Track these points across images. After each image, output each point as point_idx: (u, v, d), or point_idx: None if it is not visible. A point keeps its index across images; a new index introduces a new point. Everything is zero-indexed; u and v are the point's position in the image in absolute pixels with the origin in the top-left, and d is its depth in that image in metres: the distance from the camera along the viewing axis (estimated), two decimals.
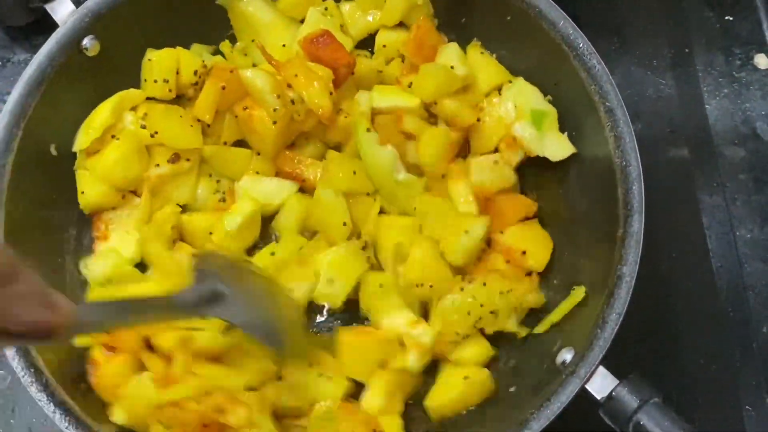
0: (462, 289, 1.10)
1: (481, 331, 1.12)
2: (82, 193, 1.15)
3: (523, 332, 1.11)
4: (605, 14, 1.43)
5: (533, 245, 1.14)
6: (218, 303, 0.95)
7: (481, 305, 1.09)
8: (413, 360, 1.10)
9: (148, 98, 1.18)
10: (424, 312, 1.15)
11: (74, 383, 1.03)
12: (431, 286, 1.12)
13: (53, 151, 1.13)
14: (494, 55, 1.21)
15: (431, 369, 1.13)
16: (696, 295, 1.26)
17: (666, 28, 1.43)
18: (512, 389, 1.07)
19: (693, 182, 1.32)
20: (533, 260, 1.14)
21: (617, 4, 1.44)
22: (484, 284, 1.09)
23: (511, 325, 1.10)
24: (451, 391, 1.10)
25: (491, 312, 1.09)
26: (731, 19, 1.43)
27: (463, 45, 1.21)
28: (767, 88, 1.38)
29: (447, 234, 1.12)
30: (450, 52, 1.18)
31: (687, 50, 1.41)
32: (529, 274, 1.14)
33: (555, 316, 1.09)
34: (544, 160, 1.14)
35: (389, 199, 1.18)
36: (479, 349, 1.12)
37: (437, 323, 1.10)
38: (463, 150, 1.21)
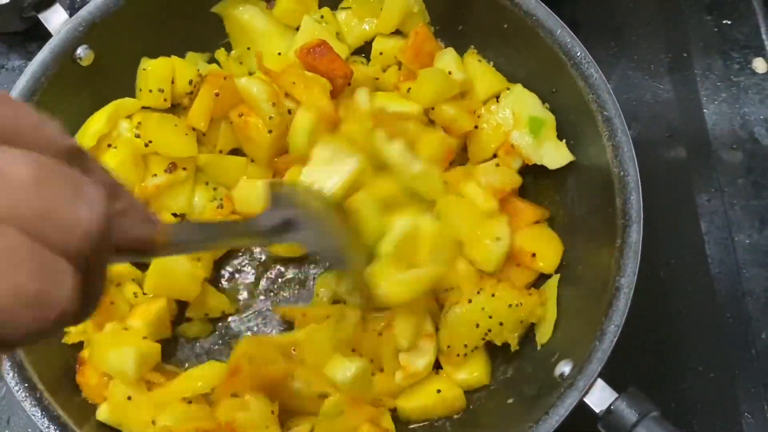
0: (470, 301, 1.09)
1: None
2: None
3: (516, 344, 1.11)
4: (603, 18, 1.42)
5: (543, 247, 1.13)
6: (291, 229, 0.95)
7: (490, 317, 1.08)
8: (399, 378, 1.10)
9: (143, 108, 1.18)
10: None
11: (69, 397, 1.03)
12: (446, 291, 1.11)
13: None
14: (491, 63, 1.20)
15: None
16: (694, 301, 1.26)
17: (664, 32, 1.42)
18: (510, 401, 1.07)
19: (691, 187, 1.32)
20: (543, 262, 1.13)
21: (615, 8, 1.43)
22: (493, 295, 1.08)
23: (513, 338, 1.10)
24: (421, 400, 1.11)
25: (500, 324, 1.08)
26: (729, 23, 1.42)
27: (460, 53, 1.20)
28: (765, 92, 1.38)
29: (475, 240, 1.11)
30: (447, 58, 1.18)
31: (685, 54, 1.40)
32: (534, 284, 1.14)
33: (550, 313, 1.09)
34: (542, 167, 1.14)
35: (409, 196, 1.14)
36: (476, 375, 1.12)
37: (446, 336, 1.10)
38: (460, 158, 1.21)
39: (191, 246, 0.83)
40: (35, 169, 0.50)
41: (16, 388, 0.97)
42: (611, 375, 0.97)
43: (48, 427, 0.96)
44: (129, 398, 1.04)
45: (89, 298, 0.55)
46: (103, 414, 1.05)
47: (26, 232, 0.49)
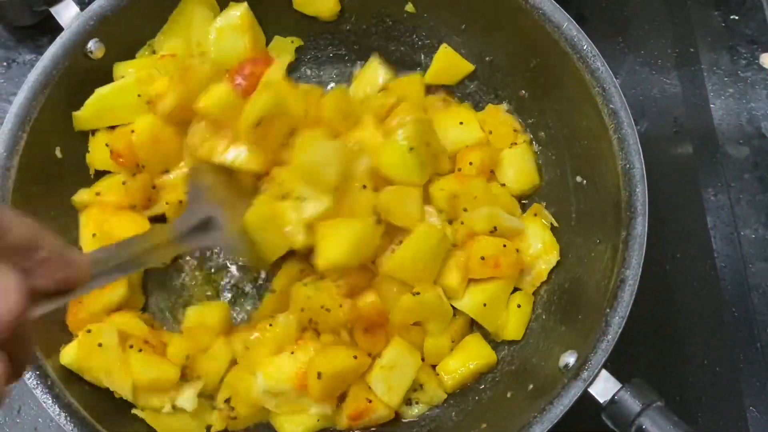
0: None
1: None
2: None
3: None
4: (610, 13, 1.43)
5: None
6: (208, 230, 0.96)
7: None
8: None
9: None
10: None
11: (79, 385, 1.04)
12: None
13: (58, 154, 1.13)
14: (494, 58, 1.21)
15: None
16: (700, 295, 1.26)
17: (671, 27, 1.42)
18: (512, 393, 1.08)
19: (697, 182, 1.32)
20: None
21: (622, 3, 1.44)
22: None
23: None
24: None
25: None
26: (737, 18, 1.42)
27: (464, 48, 1.22)
28: None
29: None
30: None
31: (692, 49, 1.41)
32: None
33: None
34: None
35: None
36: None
37: None
38: None
39: (115, 273, 0.83)
40: None
41: (28, 375, 0.98)
42: (616, 367, 0.97)
43: (59, 414, 0.97)
44: (99, 345, 1.03)
45: (18, 363, 0.60)
46: (67, 357, 1.03)
47: None
